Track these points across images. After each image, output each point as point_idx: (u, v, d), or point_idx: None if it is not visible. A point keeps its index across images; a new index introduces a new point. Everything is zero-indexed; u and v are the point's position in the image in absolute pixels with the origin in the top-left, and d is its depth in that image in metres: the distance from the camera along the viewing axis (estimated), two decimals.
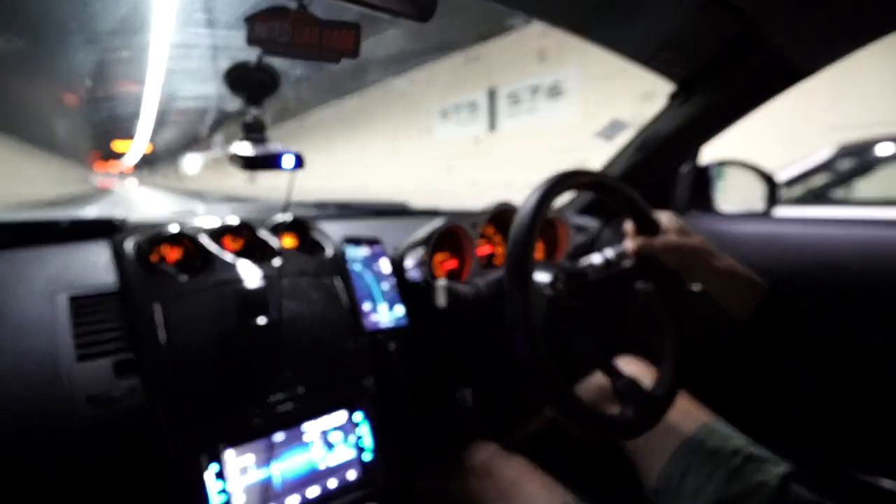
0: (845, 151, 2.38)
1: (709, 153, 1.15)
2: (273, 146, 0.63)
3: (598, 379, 0.91)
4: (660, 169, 1.09)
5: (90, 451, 0.57)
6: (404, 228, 0.97)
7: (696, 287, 0.95)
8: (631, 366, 0.91)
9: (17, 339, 0.60)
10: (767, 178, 1.19)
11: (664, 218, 0.72)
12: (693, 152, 1.10)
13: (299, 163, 0.62)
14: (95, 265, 0.73)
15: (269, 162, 0.61)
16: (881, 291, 0.84)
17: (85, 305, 0.66)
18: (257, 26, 0.45)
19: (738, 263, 0.68)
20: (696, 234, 0.70)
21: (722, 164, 1.15)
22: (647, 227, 0.73)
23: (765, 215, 1.16)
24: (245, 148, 0.62)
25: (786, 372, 0.76)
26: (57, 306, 0.65)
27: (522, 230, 0.58)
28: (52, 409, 0.57)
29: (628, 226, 0.74)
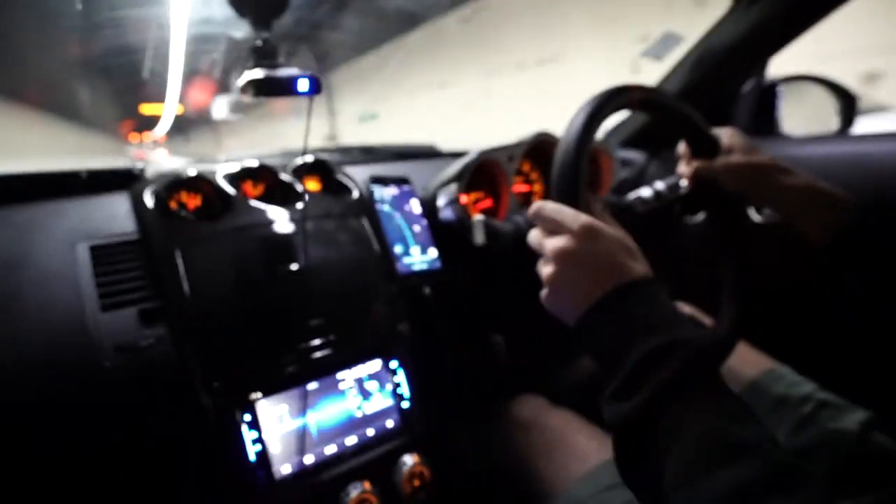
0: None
1: (774, 69, 1.01)
2: (287, 70, 0.56)
3: None
4: (719, 87, 0.97)
5: (119, 401, 0.55)
6: (433, 170, 0.90)
7: (762, 216, 0.85)
8: (686, 311, 0.84)
9: (40, 288, 0.58)
10: (844, 94, 1.04)
11: (725, 136, 0.63)
12: (757, 67, 0.96)
13: (315, 86, 0.55)
14: (115, 215, 0.70)
15: (282, 86, 0.54)
16: None
17: (106, 254, 0.63)
18: None
19: (816, 179, 0.58)
20: (763, 152, 0.61)
21: (789, 79, 1.01)
22: (706, 149, 0.63)
23: (840, 135, 1.03)
24: (255, 73, 0.55)
25: (868, 311, 0.67)
26: (78, 256, 0.62)
27: (568, 151, 0.50)
28: (78, 359, 0.55)
29: (682, 147, 0.65)
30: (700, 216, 0.92)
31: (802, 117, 1.07)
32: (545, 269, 0.44)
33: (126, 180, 0.76)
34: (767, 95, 1.00)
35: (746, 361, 0.73)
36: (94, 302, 0.58)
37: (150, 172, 0.80)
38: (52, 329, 0.56)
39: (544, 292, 0.44)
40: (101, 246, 0.63)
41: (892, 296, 0.56)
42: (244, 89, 0.56)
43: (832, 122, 1.05)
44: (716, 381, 0.35)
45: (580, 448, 0.65)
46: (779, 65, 0.99)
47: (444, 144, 1.22)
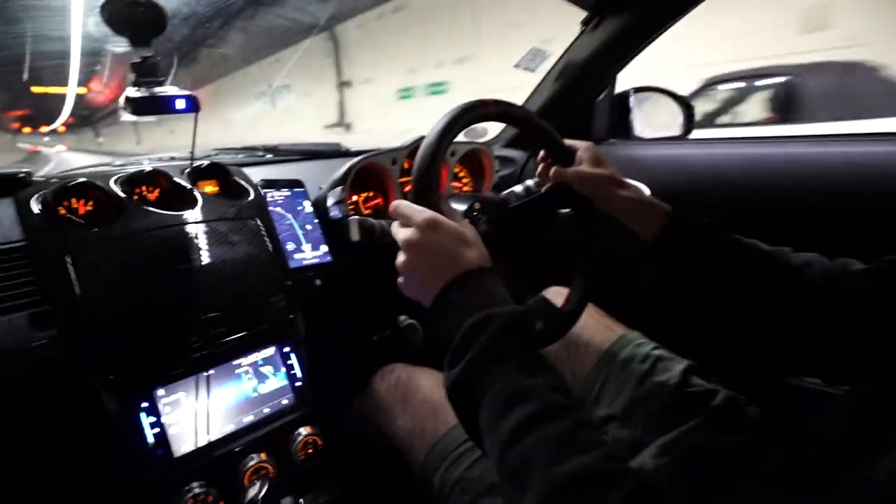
0: (709, 82, 3.24)
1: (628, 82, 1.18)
2: (165, 89, 0.62)
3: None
4: (579, 98, 1.12)
5: (14, 404, 0.59)
6: (335, 169, 0.97)
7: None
8: (557, 294, 0.96)
9: None
10: (684, 103, 1.24)
11: (580, 148, 0.74)
12: (609, 80, 1.12)
13: (192, 105, 0.61)
14: (0, 221, 0.71)
15: (160, 105, 0.60)
16: (768, 198, 0.92)
17: None
18: None
19: (647, 190, 0.71)
20: (609, 165, 0.73)
21: (638, 90, 1.19)
22: (562, 157, 0.74)
23: (681, 139, 1.22)
24: (134, 92, 0.61)
25: (682, 290, 0.83)
26: None
27: (425, 157, 0.58)
28: None
29: (541, 154, 0.77)
30: (564, 210, 1.07)
31: (653, 122, 1.26)
32: (398, 258, 0.53)
33: (10, 186, 0.77)
34: (622, 104, 1.17)
35: (607, 328, 0.85)
36: None
37: (40, 174, 0.81)
38: None
39: (399, 279, 0.54)
40: None
41: (700, 279, 0.68)
42: (124, 107, 0.61)
43: (677, 126, 1.25)
44: (520, 341, 0.44)
45: (445, 402, 0.75)
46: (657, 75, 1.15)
47: (371, 134, 1.27)
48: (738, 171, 0.97)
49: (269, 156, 1.16)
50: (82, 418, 0.63)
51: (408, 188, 1.03)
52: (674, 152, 1.09)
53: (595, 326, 0.85)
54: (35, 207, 0.70)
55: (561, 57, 1.08)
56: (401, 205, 0.55)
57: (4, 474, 0.61)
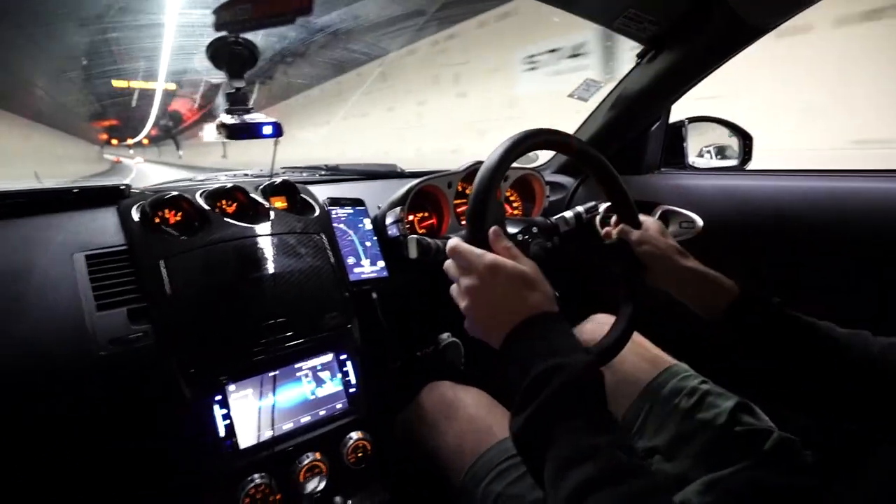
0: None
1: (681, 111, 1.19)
2: (254, 116, 0.70)
3: None
4: (632, 128, 1.14)
5: (112, 386, 0.68)
6: (391, 189, 1.04)
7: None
8: (602, 322, 0.94)
9: (43, 293, 0.70)
10: (741, 133, 1.23)
11: (647, 219, 0.76)
12: (663, 110, 1.14)
13: (277, 130, 0.69)
14: (106, 228, 0.81)
15: (250, 130, 0.68)
16: (835, 235, 0.87)
17: (100, 262, 0.75)
18: (221, 13, 0.50)
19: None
20: (672, 240, 0.73)
21: (693, 119, 1.19)
22: (629, 220, 0.75)
23: (738, 169, 1.20)
24: (228, 118, 0.69)
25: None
26: (75, 264, 0.74)
27: (482, 181, 0.59)
28: (78, 352, 0.67)
29: (614, 217, 0.78)
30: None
31: (707, 152, 1.26)
32: (461, 303, 0.53)
33: (114, 196, 0.87)
34: (674, 133, 1.18)
35: (654, 360, 0.84)
36: (91, 303, 0.70)
37: (134, 188, 0.92)
38: (55, 327, 0.68)
39: (465, 322, 0.54)
40: (96, 255, 0.75)
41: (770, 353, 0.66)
42: (219, 131, 0.69)
43: (733, 157, 1.24)
44: (588, 396, 0.43)
45: (492, 424, 0.76)
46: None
47: (398, 158, 1.35)
48: (801, 204, 0.92)
49: (331, 175, 1.25)
50: (164, 405, 0.70)
51: (462, 210, 1.09)
52: (729, 183, 1.08)
53: (640, 356, 0.85)
54: (135, 216, 0.80)
55: (615, 87, 1.11)
56: (460, 248, 0.55)
57: (87, 448, 0.69)
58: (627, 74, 1.07)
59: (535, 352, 0.46)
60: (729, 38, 0.89)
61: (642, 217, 0.76)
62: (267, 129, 0.68)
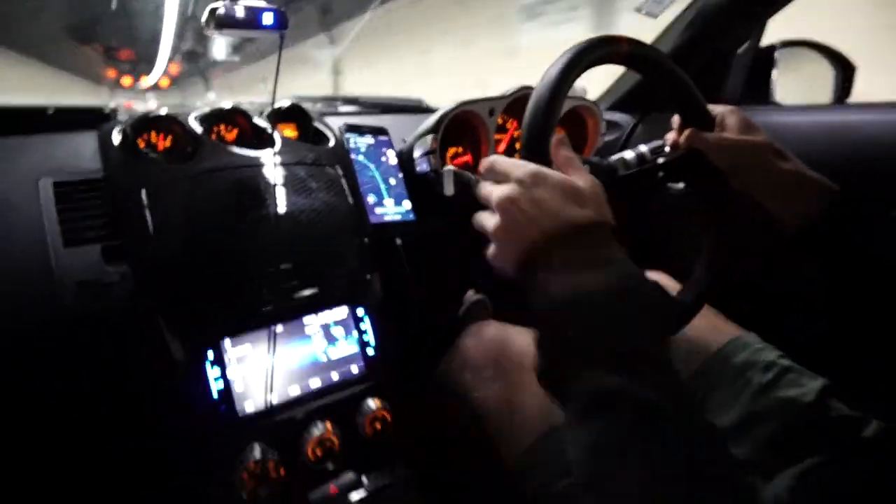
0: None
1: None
2: (249, 2, 0.54)
3: None
4: (713, 49, 0.94)
5: (80, 337, 0.56)
6: (417, 124, 0.89)
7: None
8: (657, 278, 0.84)
9: (7, 222, 0.58)
10: (842, 62, 1.02)
11: (723, 111, 0.60)
12: (754, 30, 0.93)
13: (279, 21, 0.53)
14: (82, 153, 0.69)
15: (245, 20, 0.53)
16: None
17: (69, 191, 0.62)
18: None
19: (807, 167, 0.57)
20: (763, 132, 0.59)
21: (787, 44, 0.98)
22: (699, 121, 0.61)
23: (836, 105, 1.01)
24: (216, 4, 0.53)
25: (839, 293, 0.68)
26: (41, 191, 0.62)
27: (542, 100, 0.47)
28: (40, 293, 0.56)
29: (675, 118, 0.63)
30: (681, 185, 0.92)
31: (798, 85, 1.05)
32: (489, 222, 0.42)
33: (95, 119, 0.74)
34: (763, 61, 0.98)
35: (715, 328, 0.74)
36: (58, 237, 0.58)
37: (121, 112, 0.79)
38: (13, 260, 0.56)
39: (490, 248, 0.43)
40: (65, 182, 0.63)
41: (852, 288, 0.56)
42: (206, 22, 0.54)
43: (828, 92, 1.03)
44: (637, 335, 0.36)
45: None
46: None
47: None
48: None
49: (349, 107, 1.10)
50: (146, 363, 0.60)
51: (501, 147, 0.93)
52: (825, 119, 0.89)
53: (702, 322, 0.71)
54: (115, 139, 0.67)
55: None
56: (498, 160, 0.44)
57: (60, 411, 0.59)
58: None
59: (572, 268, 0.37)
60: None
61: (717, 109, 0.60)
62: (267, 18, 0.52)
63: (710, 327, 0.74)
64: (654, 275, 0.85)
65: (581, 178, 0.42)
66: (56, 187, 0.62)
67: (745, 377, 0.66)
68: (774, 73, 0.99)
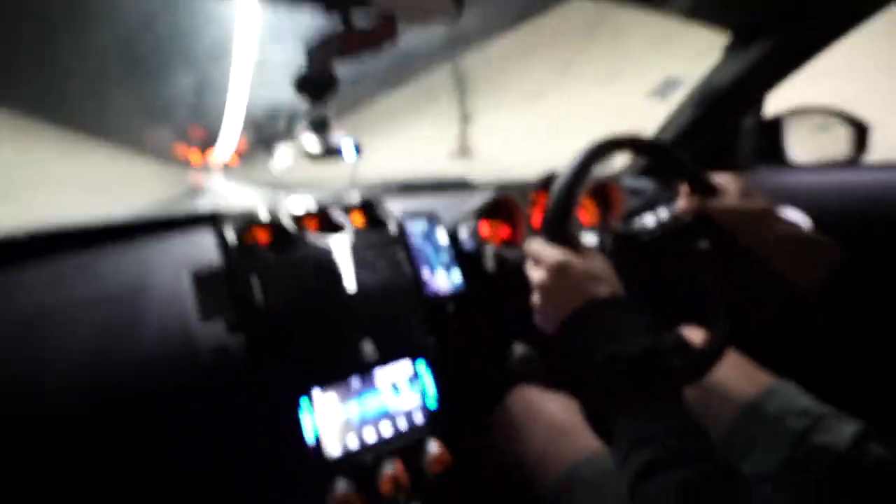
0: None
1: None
2: (335, 139, 0.73)
3: None
4: (721, 123, 1.05)
5: (212, 391, 0.74)
6: (464, 201, 1.04)
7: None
8: (687, 333, 0.89)
9: (157, 308, 0.78)
10: (856, 125, 1.09)
11: (724, 179, 0.68)
12: (755, 103, 1.04)
13: (357, 151, 0.72)
14: (206, 247, 0.89)
15: (332, 153, 0.71)
16: None
17: (202, 279, 0.82)
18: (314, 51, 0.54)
19: (810, 229, 0.62)
20: (762, 197, 0.64)
21: (794, 112, 1.08)
22: (701, 188, 0.69)
23: (850, 164, 1.06)
24: (312, 141, 0.73)
25: (848, 349, 0.72)
26: (182, 280, 0.82)
27: (560, 191, 0.59)
28: (186, 356, 0.74)
29: (683, 187, 0.72)
30: (703, 244, 0.99)
31: (812, 148, 1.12)
32: (533, 298, 0.57)
33: (212, 219, 0.96)
34: (770, 127, 1.07)
35: (749, 378, 0.77)
36: (196, 315, 0.77)
37: (229, 212, 1.00)
38: (167, 337, 0.75)
39: (535, 317, 0.57)
40: (199, 273, 0.83)
41: (870, 342, 0.61)
42: (304, 155, 0.74)
43: (841, 150, 1.10)
44: (645, 383, 0.44)
45: (578, 431, 0.73)
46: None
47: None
48: None
49: (403, 189, 1.27)
50: (255, 413, 0.75)
51: (535, 220, 1.06)
52: (841, 179, 0.96)
53: (735, 373, 0.77)
54: (230, 237, 0.87)
55: (699, 83, 1.04)
56: (534, 245, 0.58)
57: (188, 455, 0.75)
58: (713, 68, 0.99)
59: (592, 338, 0.48)
60: (831, 20, 0.80)
61: (719, 177, 0.67)
62: (348, 151, 0.71)
63: (745, 377, 0.77)
64: (684, 328, 0.91)
65: (594, 261, 0.56)
66: (194, 276, 0.82)
67: (782, 425, 0.68)
68: (784, 136, 1.08)
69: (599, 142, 0.64)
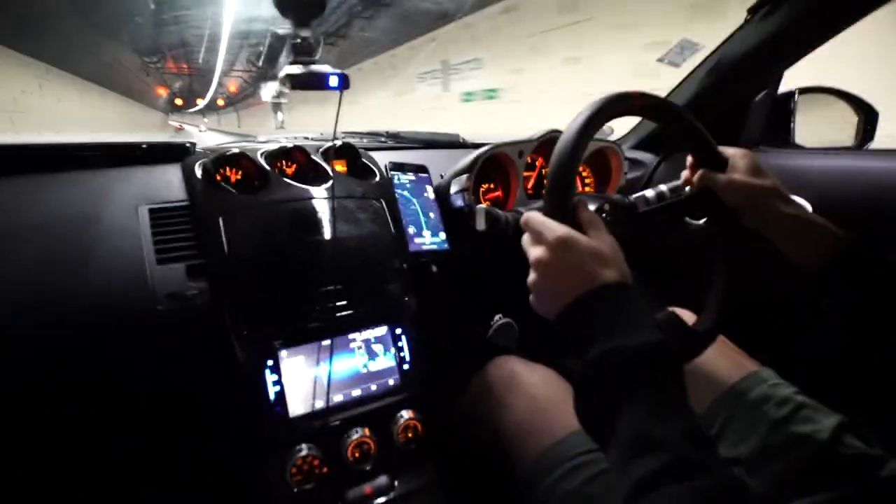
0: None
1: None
2: (320, 67, 0.65)
3: None
4: (732, 96, 0.99)
5: (167, 340, 0.67)
6: (453, 159, 0.98)
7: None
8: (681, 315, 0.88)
9: (109, 242, 0.70)
10: (865, 107, 1.05)
11: (734, 154, 0.64)
12: (771, 78, 0.99)
13: (344, 82, 0.63)
14: (170, 183, 0.81)
15: (315, 81, 0.63)
16: None
17: (162, 217, 0.74)
18: None
19: (809, 207, 0.61)
20: (770, 177, 0.62)
21: (804, 90, 1.03)
22: (712, 162, 0.65)
23: (858, 149, 1.03)
24: (294, 69, 0.64)
25: (842, 334, 0.70)
26: (140, 216, 0.74)
27: (565, 150, 0.53)
28: (138, 304, 0.67)
29: (689, 157, 0.68)
30: (702, 221, 0.95)
31: (820, 129, 1.09)
32: (529, 277, 0.50)
33: (179, 153, 0.87)
34: (782, 106, 1.02)
35: (734, 362, 0.75)
36: (152, 256, 0.70)
37: (198, 147, 0.91)
38: (118, 276, 0.68)
39: (531, 297, 0.50)
40: (159, 209, 0.75)
41: (872, 324, 0.57)
42: (283, 82, 0.65)
43: (850, 136, 1.07)
44: (653, 379, 0.40)
45: (559, 402, 0.70)
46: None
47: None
48: None
49: (391, 142, 1.20)
50: (215, 364, 0.69)
51: (530, 183, 1.01)
52: (846, 164, 0.92)
53: (720, 357, 0.75)
54: (198, 172, 0.79)
55: (716, 49, 0.97)
56: (533, 218, 0.52)
57: (139, 404, 0.69)
58: (734, 33, 0.93)
59: (596, 328, 0.43)
60: None
61: (730, 152, 0.64)
62: (333, 81, 0.63)
63: (728, 361, 0.75)
64: (677, 310, 0.88)
65: (602, 241, 0.49)
66: (151, 213, 0.74)
67: (760, 411, 0.67)
68: (794, 117, 1.04)
69: (608, 96, 0.59)
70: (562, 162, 0.52)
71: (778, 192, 0.61)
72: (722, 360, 0.75)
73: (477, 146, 1.18)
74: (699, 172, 0.65)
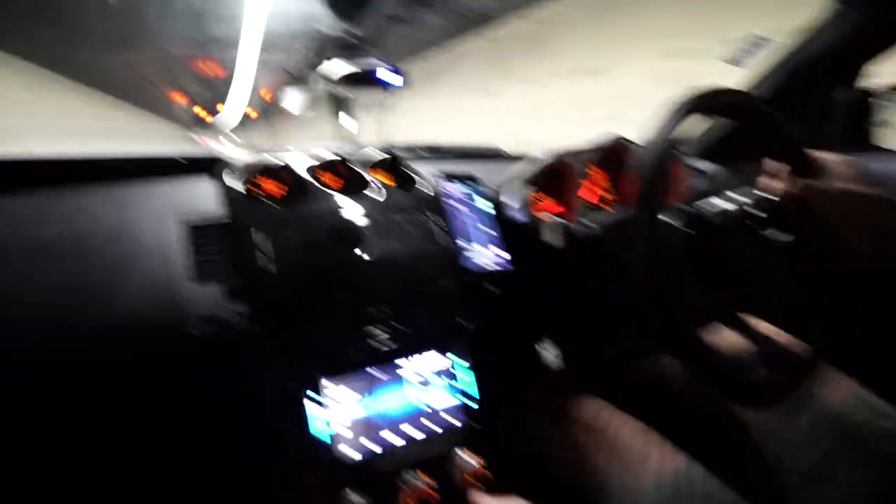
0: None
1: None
2: (371, 62, 0.58)
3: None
4: (810, 94, 0.91)
5: (199, 367, 0.60)
6: (497, 172, 0.90)
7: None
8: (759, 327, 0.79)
9: (139, 259, 0.64)
10: None
11: (832, 160, 0.58)
12: (854, 73, 0.90)
13: (399, 76, 0.57)
14: (202, 196, 0.75)
15: (367, 78, 0.56)
16: None
17: (195, 232, 0.68)
18: None
19: None
20: (870, 189, 0.55)
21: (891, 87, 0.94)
22: (802, 168, 0.58)
23: None
24: (338, 65, 0.58)
25: None
26: (173, 232, 0.67)
27: (654, 158, 0.51)
28: (168, 323, 0.60)
29: (773, 163, 0.61)
30: (783, 236, 0.87)
31: None
32: None
33: (212, 165, 0.81)
34: (863, 104, 0.93)
35: (831, 385, 0.66)
36: (187, 275, 0.63)
37: (234, 159, 0.86)
38: (149, 295, 0.61)
39: None
40: (193, 224, 0.68)
41: None
42: (339, 82, 0.58)
43: None
44: None
45: (641, 455, 0.62)
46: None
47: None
48: None
49: (430, 154, 1.14)
50: (250, 394, 0.62)
51: (586, 193, 0.92)
52: None
53: (816, 379, 0.66)
54: (236, 185, 0.72)
55: (796, 41, 0.89)
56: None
57: (168, 436, 0.62)
58: (815, 25, 0.85)
59: None
60: None
61: (826, 157, 0.58)
62: (389, 77, 0.56)
63: (827, 382, 0.66)
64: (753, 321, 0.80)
65: None
66: (185, 229, 0.67)
67: (870, 442, 0.59)
68: (876, 117, 0.95)
69: (692, 96, 0.54)
70: (653, 169, 0.51)
71: (888, 201, 0.54)
72: (818, 381, 0.65)
73: (519, 157, 1.12)
74: (792, 180, 0.58)
